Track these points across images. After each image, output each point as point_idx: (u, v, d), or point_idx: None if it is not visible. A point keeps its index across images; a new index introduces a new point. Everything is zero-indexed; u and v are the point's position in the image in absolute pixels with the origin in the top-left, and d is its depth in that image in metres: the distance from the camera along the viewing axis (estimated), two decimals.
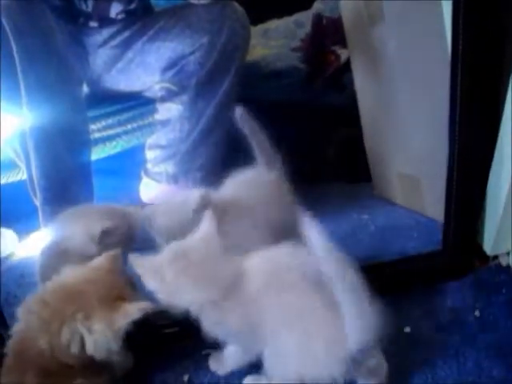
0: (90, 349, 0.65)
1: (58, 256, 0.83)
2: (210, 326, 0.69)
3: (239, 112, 0.94)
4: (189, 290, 0.67)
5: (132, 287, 0.73)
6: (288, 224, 0.84)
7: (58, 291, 0.69)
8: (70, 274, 0.71)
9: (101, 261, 0.73)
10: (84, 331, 0.65)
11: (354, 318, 0.62)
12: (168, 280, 0.67)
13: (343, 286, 0.62)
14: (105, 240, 0.82)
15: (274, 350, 0.67)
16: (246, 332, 0.69)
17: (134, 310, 0.66)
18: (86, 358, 0.66)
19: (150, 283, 0.68)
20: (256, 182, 0.94)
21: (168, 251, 0.70)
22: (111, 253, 0.74)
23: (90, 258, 0.76)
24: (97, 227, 0.82)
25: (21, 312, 0.68)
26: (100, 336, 0.65)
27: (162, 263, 0.68)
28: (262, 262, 0.70)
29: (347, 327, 0.62)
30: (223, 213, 0.82)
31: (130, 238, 0.87)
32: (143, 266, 0.69)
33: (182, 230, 0.76)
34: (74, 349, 0.65)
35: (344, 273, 0.62)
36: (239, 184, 0.93)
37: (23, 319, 0.68)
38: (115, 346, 0.66)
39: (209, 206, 0.79)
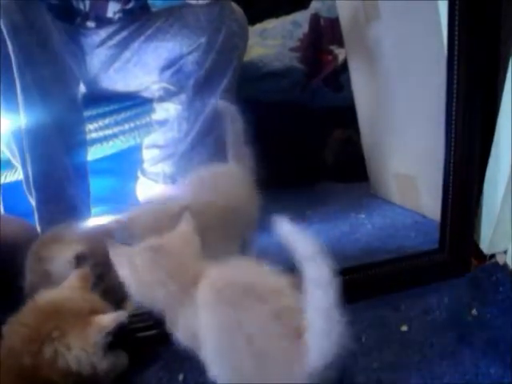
0: (73, 365, 0.66)
1: (42, 276, 0.84)
2: (171, 328, 0.67)
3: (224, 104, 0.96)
4: (154, 283, 0.66)
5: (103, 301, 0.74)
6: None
7: (35, 311, 0.70)
8: (44, 295, 0.73)
9: (71, 280, 0.75)
10: (62, 349, 0.66)
11: (320, 336, 0.56)
12: (139, 270, 0.66)
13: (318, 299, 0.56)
14: (82, 264, 0.81)
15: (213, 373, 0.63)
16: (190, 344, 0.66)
17: (107, 322, 0.68)
18: (72, 373, 0.67)
19: (123, 272, 0.68)
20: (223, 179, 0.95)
21: (144, 243, 0.69)
22: (80, 271, 0.77)
23: None
24: (71, 252, 0.82)
25: (5, 330, 0.69)
26: (79, 351, 0.66)
27: (135, 253, 0.68)
28: (215, 276, 0.65)
29: (311, 342, 0.56)
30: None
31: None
32: (118, 253, 0.69)
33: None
34: (62, 364, 0.66)
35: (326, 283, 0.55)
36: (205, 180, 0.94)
37: (7, 337, 0.69)
38: (96, 358, 0.67)
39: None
